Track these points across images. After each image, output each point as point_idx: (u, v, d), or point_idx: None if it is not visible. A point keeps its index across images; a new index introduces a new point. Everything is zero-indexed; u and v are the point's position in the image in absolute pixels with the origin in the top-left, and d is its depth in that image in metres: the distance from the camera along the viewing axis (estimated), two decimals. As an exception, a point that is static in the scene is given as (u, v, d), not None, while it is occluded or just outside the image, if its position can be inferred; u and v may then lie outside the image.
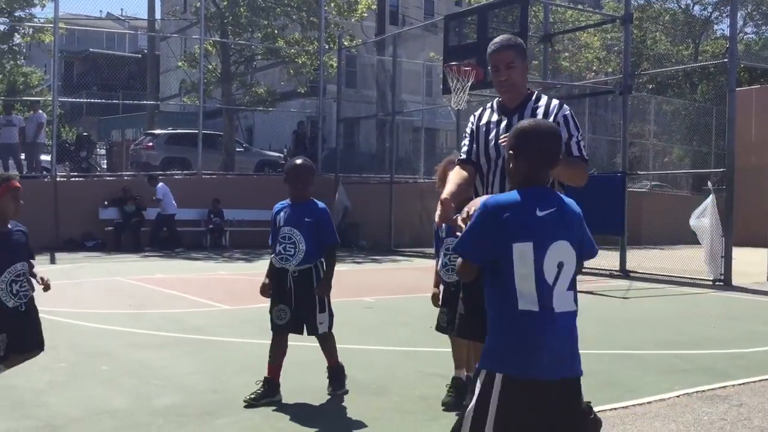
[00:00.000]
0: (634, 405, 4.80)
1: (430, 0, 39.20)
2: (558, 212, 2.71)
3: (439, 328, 4.89)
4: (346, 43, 21.80)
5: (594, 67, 30.30)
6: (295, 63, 22.26)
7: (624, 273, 13.21)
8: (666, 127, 27.78)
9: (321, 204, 4.97)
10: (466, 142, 4.02)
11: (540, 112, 3.79)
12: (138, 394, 4.87)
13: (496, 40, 3.86)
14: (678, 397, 5.02)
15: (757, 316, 9.06)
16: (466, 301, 4.04)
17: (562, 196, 2.83)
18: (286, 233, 4.82)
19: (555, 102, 3.85)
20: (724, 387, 5.30)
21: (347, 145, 25.94)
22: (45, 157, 18.47)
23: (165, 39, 30.92)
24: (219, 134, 21.97)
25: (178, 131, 22.52)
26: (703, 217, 12.06)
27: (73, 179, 18.17)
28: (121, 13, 49.89)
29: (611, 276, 13.09)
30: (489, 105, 4.01)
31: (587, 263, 13.24)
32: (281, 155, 23.59)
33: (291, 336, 4.91)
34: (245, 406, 4.63)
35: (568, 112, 3.81)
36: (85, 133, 22.75)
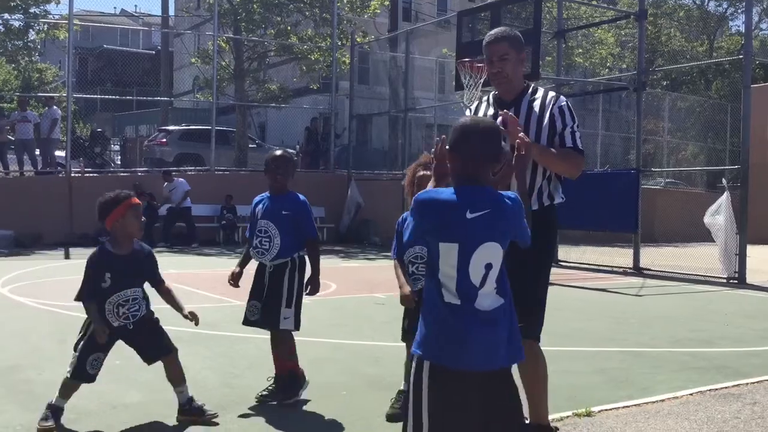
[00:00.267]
0: (647, 403, 4.78)
1: (443, -4, 39.09)
2: (491, 213, 2.65)
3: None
4: (358, 40, 21.80)
5: (608, 64, 30.14)
6: (307, 59, 22.27)
7: (637, 270, 13.16)
8: (680, 124, 27.61)
9: (301, 197, 4.81)
10: None
11: (536, 104, 3.78)
12: (152, 389, 4.90)
13: (491, 32, 3.84)
14: (691, 395, 5.00)
15: (771, 315, 9.00)
16: None
17: (502, 192, 2.75)
18: (263, 226, 4.69)
19: (551, 94, 3.84)
20: (737, 385, 5.27)
21: (360, 142, 25.95)
22: (59, 153, 18.59)
23: (178, 35, 31.03)
24: (232, 130, 22.02)
25: (191, 127, 22.59)
26: (718, 215, 11.99)
27: (87, 175, 18.28)
28: (135, 9, 50.19)
29: (624, 273, 13.04)
30: (485, 99, 3.99)
31: (597, 261, 13.06)
32: (294, 151, 23.62)
33: (301, 333, 4.84)
34: (257, 402, 4.65)
35: (564, 103, 3.81)
36: (99, 129, 22.90)
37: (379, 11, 23.70)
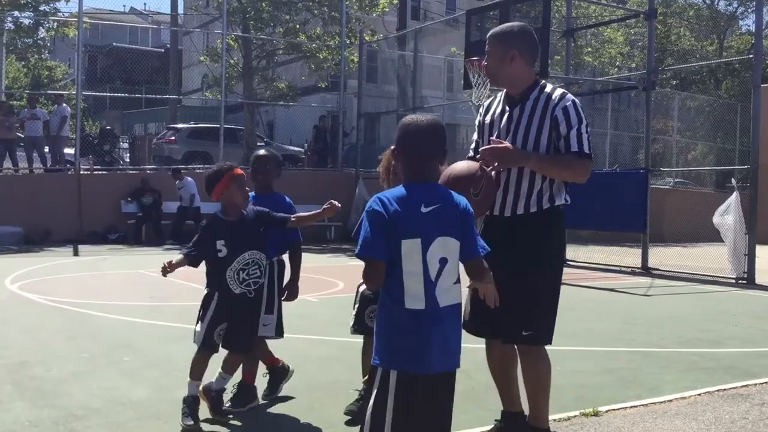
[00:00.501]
0: (654, 403, 4.76)
1: (451, -5, 39.05)
2: (443, 208, 2.71)
3: (361, 329, 4.20)
4: (367, 38, 21.78)
5: (617, 63, 30.06)
6: (316, 58, 22.28)
7: (646, 270, 13.12)
8: (690, 124, 27.53)
9: (287, 198, 4.67)
10: (474, 136, 3.99)
11: (540, 103, 3.67)
12: (159, 386, 4.91)
13: None
14: (699, 395, 4.98)
15: (780, 315, 8.96)
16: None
17: (451, 192, 2.80)
18: None
19: (557, 93, 3.68)
20: (746, 386, 5.25)
21: (368, 140, 25.93)
22: (69, 151, 18.67)
23: (187, 34, 31.11)
24: (240, 129, 22.06)
25: (199, 125, 22.65)
26: (727, 215, 11.95)
27: (96, 172, 18.35)
28: (144, 7, 50.33)
29: (633, 273, 13.01)
30: (498, 97, 3.93)
31: (606, 261, 13.02)
32: (302, 150, 23.66)
33: (301, 332, 4.76)
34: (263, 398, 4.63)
35: (569, 103, 3.63)
36: (108, 127, 23.00)
37: (387, 10, 23.69)
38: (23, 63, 28.83)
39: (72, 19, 19.73)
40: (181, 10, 29.75)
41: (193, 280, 10.44)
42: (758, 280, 11.60)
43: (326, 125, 22.42)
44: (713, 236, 12.75)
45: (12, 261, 12.60)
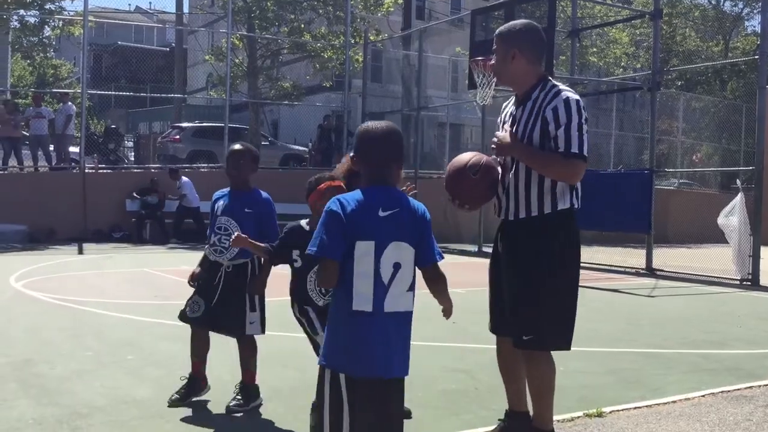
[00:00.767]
0: (658, 404, 4.76)
1: (456, -5, 39.02)
2: (401, 212, 2.74)
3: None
4: (372, 38, 21.79)
5: (622, 63, 30.01)
6: (321, 57, 22.30)
7: (650, 271, 13.10)
8: (695, 125, 27.47)
9: (264, 194, 4.54)
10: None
11: (537, 103, 3.63)
12: (163, 385, 4.91)
13: None
14: (703, 396, 4.97)
15: (785, 317, 8.94)
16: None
17: (409, 198, 2.84)
18: (223, 223, 4.42)
19: (553, 91, 3.60)
20: (750, 387, 5.24)
21: (372, 140, 25.90)
22: (74, 149, 18.70)
23: (192, 33, 31.11)
24: (245, 128, 22.08)
25: (204, 124, 22.67)
26: (732, 216, 11.92)
27: (101, 171, 18.39)
28: (149, 6, 50.39)
29: (637, 274, 12.99)
30: (512, 96, 3.94)
31: (609, 261, 13.01)
32: (306, 149, 23.67)
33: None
34: (169, 406, 4.44)
35: (560, 102, 3.54)
36: (113, 126, 23.01)
37: (392, 9, 23.70)
38: (29, 61, 28.98)
39: (77, 17, 19.79)
40: (186, 9, 29.73)
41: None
42: (763, 281, 11.58)
43: (331, 125, 22.43)
44: (718, 237, 12.72)
45: (17, 259, 12.63)
